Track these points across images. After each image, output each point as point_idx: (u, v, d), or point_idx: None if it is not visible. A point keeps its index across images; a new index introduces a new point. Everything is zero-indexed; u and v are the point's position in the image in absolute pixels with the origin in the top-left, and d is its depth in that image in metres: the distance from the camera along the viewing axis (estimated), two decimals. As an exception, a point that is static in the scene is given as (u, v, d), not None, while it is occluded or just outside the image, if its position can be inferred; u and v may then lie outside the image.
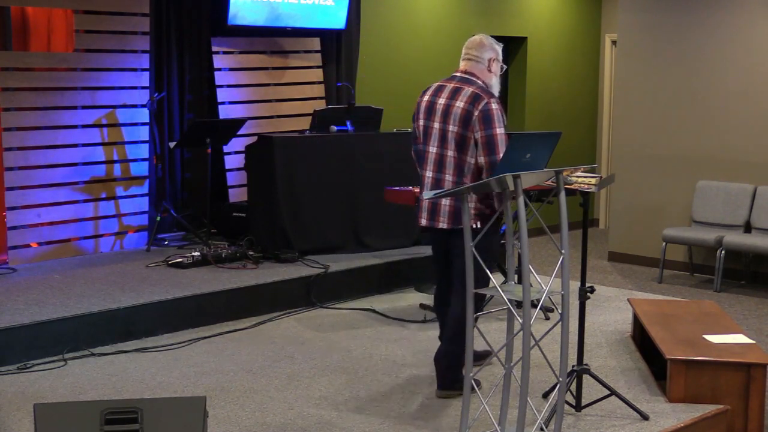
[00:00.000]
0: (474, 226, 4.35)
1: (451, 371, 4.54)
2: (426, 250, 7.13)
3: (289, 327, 5.86)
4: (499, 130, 4.39)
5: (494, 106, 4.40)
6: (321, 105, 8.17)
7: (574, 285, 4.34)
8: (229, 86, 7.86)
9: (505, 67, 4.69)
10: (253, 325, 5.80)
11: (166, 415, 3.28)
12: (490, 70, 4.56)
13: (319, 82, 8.36)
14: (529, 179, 3.74)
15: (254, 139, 7.21)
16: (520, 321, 3.51)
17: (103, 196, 7.15)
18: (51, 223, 6.86)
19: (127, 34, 7.19)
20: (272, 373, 4.91)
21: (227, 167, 7.83)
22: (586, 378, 4.41)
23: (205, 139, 6.94)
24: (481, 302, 4.84)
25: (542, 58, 10.63)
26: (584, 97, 11.24)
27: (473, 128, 4.39)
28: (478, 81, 4.51)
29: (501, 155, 4.33)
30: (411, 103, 9.50)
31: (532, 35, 10.46)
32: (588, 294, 4.29)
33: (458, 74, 4.57)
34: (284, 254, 6.68)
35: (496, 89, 4.58)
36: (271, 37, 8.08)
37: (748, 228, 8.42)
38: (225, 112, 7.78)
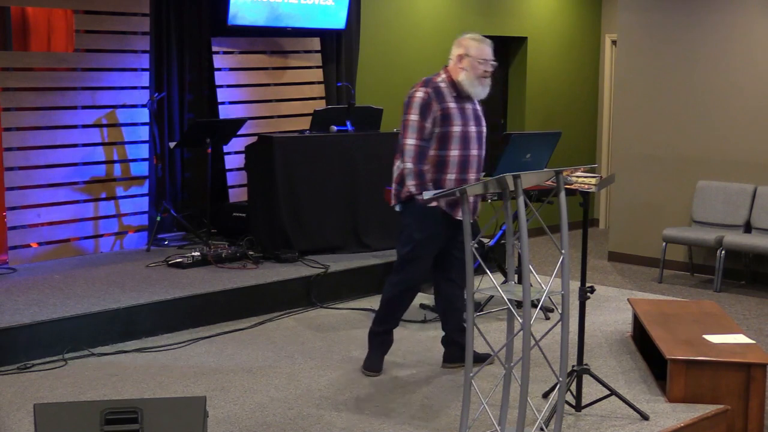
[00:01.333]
0: (392, 203, 4.80)
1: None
2: (426, 250, 7.14)
3: (289, 327, 5.85)
4: (412, 117, 4.65)
5: (418, 94, 4.67)
6: (321, 105, 8.17)
7: (574, 285, 4.34)
8: (229, 86, 7.86)
9: (486, 62, 4.70)
10: (253, 325, 5.80)
11: (166, 415, 3.28)
12: (459, 66, 4.73)
13: (319, 82, 8.36)
14: (529, 179, 3.75)
15: (254, 139, 7.21)
16: (520, 321, 3.52)
17: (103, 196, 7.15)
18: (51, 223, 6.86)
19: (127, 34, 7.19)
20: (272, 373, 4.91)
21: (227, 167, 7.83)
22: (586, 378, 4.41)
23: (205, 139, 6.94)
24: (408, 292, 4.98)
25: (542, 58, 10.63)
26: (584, 97, 11.24)
27: None
28: (441, 75, 4.77)
29: (407, 141, 4.63)
30: (411, 103, 9.47)
31: (532, 35, 10.46)
32: (588, 294, 4.29)
33: None
34: (284, 254, 6.67)
35: (467, 85, 4.70)
36: (271, 37, 8.08)
37: (748, 228, 8.42)
38: (225, 112, 7.78)
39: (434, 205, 4.63)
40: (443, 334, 5.08)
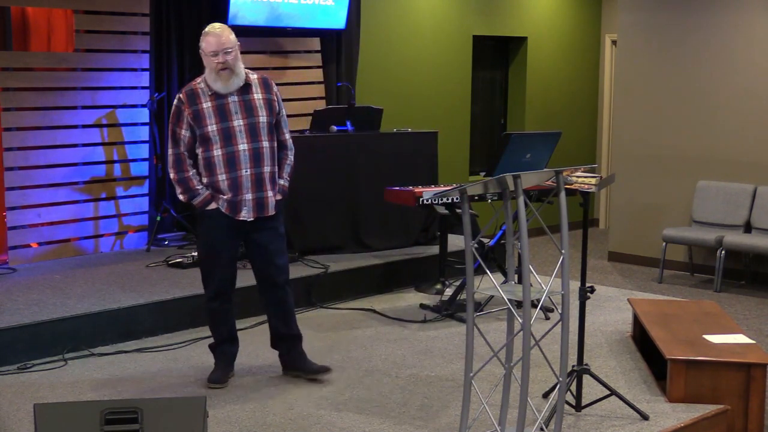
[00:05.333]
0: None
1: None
2: (426, 250, 7.14)
3: (289, 327, 5.84)
4: (169, 125, 4.60)
5: (174, 102, 4.59)
6: (321, 105, 8.17)
7: (574, 285, 4.34)
8: (229, 86, 7.85)
9: (215, 54, 4.46)
10: (253, 325, 5.79)
11: (166, 415, 3.28)
12: (205, 64, 4.58)
13: (319, 82, 8.36)
14: (529, 179, 3.74)
15: (254, 139, 7.19)
16: (520, 321, 3.52)
17: (103, 196, 7.15)
18: (51, 223, 6.86)
19: (127, 34, 7.18)
20: (272, 373, 4.91)
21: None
22: (586, 378, 4.41)
23: (205, 139, 6.93)
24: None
25: (542, 58, 10.63)
26: (584, 97, 11.24)
27: None
28: (202, 75, 4.59)
29: (167, 150, 4.59)
30: (411, 103, 9.59)
31: (532, 35, 10.46)
32: (588, 294, 4.29)
33: None
34: (284, 254, 6.66)
35: (211, 81, 4.52)
36: (271, 37, 8.08)
37: (748, 228, 8.42)
38: (225, 112, 7.77)
39: (214, 207, 4.54)
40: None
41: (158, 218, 7.17)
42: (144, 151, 7.35)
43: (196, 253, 6.52)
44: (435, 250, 6.98)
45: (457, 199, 5.61)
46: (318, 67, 8.35)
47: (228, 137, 4.48)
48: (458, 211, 5.79)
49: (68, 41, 7.09)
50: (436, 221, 7.12)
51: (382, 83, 9.00)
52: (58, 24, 7.14)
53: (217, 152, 4.48)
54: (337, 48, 8.38)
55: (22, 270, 6.45)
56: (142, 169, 7.36)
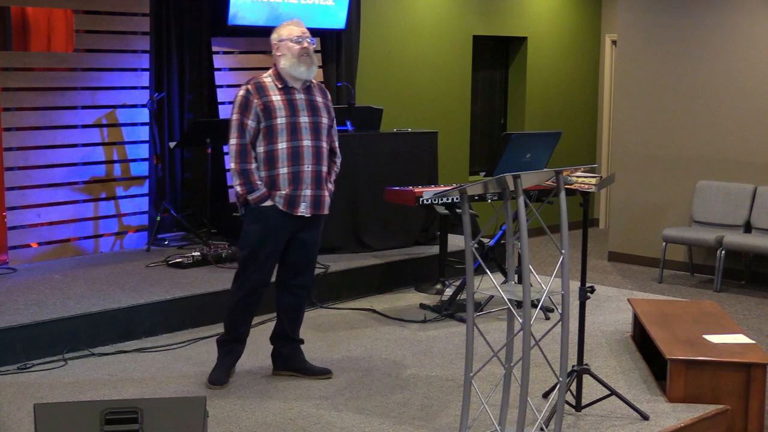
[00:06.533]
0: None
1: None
2: (426, 250, 7.14)
3: (289, 327, 5.84)
4: (234, 116, 4.55)
5: (239, 92, 4.58)
6: (321, 105, 8.16)
7: (574, 285, 4.34)
8: (229, 86, 7.85)
9: (299, 39, 4.61)
10: (253, 325, 5.77)
11: (166, 415, 3.28)
12: (278, 55, 4.63)
13: (319, 82, 8.34)
14: (529, 179, 3.75)
15: (254, 139, 7.19)
16: (520, 321, 3.52)
17: (103, 196, 7.15)
18: (51, 223, 6.86)
19: (127, 34, 7.18)
20: (272, 374, 4.91)
21: (227, 167, 7.83)
22: (586, 378, 4.41)
23: (205, 139, 6.94)
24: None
25: (542, 58, 10.63)
26: (584, 97, 11.24)
27: None
28: (268, 71, 4.66)
29: (230, 142, 4.54)
30: (411, 103, 9.59)
31: (532, 35, 10.46)
32: (588, 294, 4.29)
33: None
34: (284, 254, 6.66)
35: (289, 69, 4.58)
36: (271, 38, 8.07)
37: (748, 228, 8.42)
38: (225, 112, 7.78)
39: (269, 204, 4.53)
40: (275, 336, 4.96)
41: (158, 218, 7.18)
42: (144, 151, 7.35)
43: (197, 253, 6.54)
44: (435, 250, 6.98)
45: (457, 199, 5.61)
46: (318, 67, 8.34)
47: (294, 131, 4.52)
48: (458, 211, 5.79)
49: (68, 41, 7.09)
50: (436, 221, 7.12)
51: (382, 83, 9.00)
52: (58, 24, 7.14)
53: (282, 145, 4.51)
54: (337, 48, 8.39)
55: (22, 270, 6.45)
56: (142, 169, 7.36)
